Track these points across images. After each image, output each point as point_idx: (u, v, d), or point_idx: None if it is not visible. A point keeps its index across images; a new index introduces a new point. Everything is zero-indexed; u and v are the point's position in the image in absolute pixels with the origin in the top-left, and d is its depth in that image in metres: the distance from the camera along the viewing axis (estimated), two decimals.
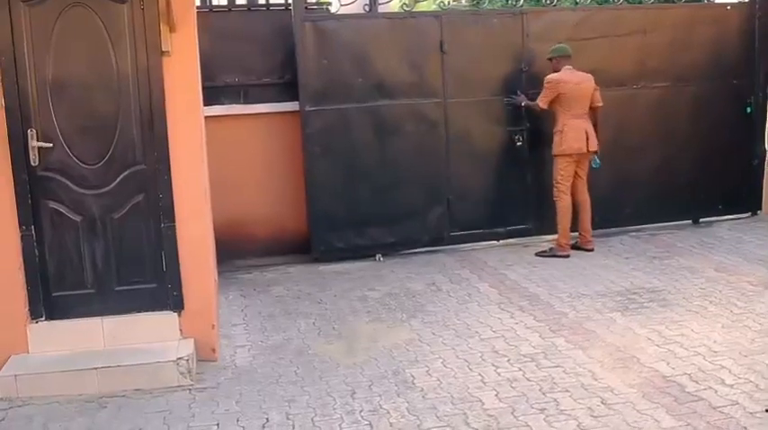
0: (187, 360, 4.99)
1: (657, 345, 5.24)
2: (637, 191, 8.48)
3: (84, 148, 5.12)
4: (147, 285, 5.25)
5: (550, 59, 7.68)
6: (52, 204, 5.10)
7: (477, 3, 8.92)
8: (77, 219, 5.14)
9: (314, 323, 6.04)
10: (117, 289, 5.22)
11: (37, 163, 5.04)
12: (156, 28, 5.04)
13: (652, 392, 4.54)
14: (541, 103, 7.60)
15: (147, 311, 5.25)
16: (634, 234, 8.36)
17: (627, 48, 8.31)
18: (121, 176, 5.14)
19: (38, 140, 5.03)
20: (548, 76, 7.59)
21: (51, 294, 5.18)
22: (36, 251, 5.12)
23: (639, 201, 8.49)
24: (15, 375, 4.89)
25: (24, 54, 4.97)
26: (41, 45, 4.99)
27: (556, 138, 7.60)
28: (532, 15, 8.16)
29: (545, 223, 8.11)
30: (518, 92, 7.92)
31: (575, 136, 7.54)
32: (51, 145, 5.04)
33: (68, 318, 5.19)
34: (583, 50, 8.12)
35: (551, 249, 7.70)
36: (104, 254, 5.19)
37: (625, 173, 8.40)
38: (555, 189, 7.64)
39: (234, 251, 7.67)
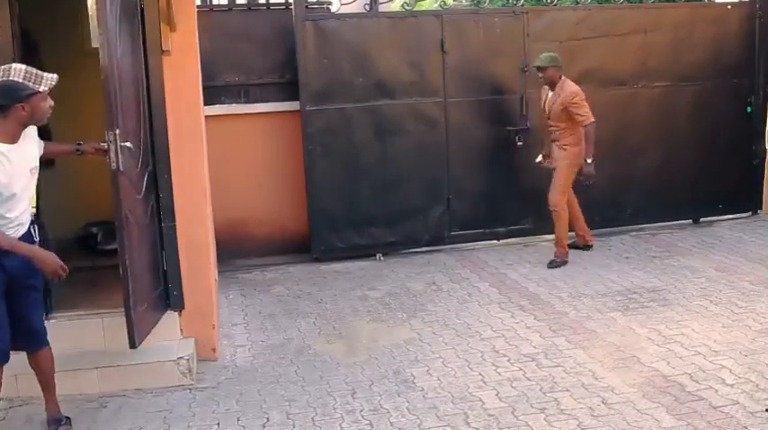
0: (187, 359, 4.99)
1: (658, 345, 5.24)
2: (637, 190, 8.48)
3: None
4: None
5: (543, 68, 7.24)
6: None
7: (478, 2, 8.90)
8: None
9: (314, 322, 6.04)
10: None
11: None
12: (156, 27, 5.03)
13: (652, 392, 4.54)
14: (592, 118, 7.16)
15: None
16: (634, 234, 8.36)
17: (627, 47, 8.31)
18: None
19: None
20: (573, 89, 7.16)
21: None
22: None
23: (640, 200, 8.49)
24: (16, 375, 4.87)
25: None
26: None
27: (575, 150, 7.25)
28: (533, 15, 8.15)
29: (545, 223, 8.10)
30: (587, 160, 7.24)
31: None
32: (130, 145, 4.98)
33: (69, 317, 5.19)
34: (583, 50, 8.14)
35: (558, 259, 7.40)
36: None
37: (625, 172, 8.40)
38: (557, 198, 7.32)
39: (234, 250, 7.67)
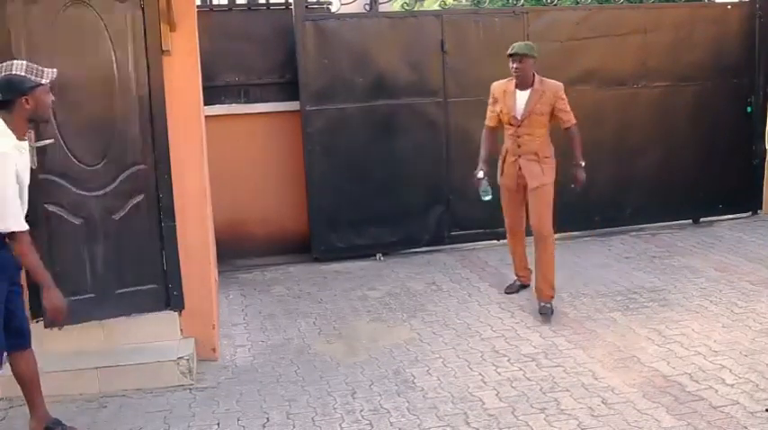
0: (187, 359, 4.99)
1: (658, 345, 5.24)
2: (637, 190, 8.46)
3: (84, 149, 5.08)
4: (148, 286, 5.24)
5: (520, 57, 5.84)
6: (51, 208, 5.00)
7: (478, 2, 8.89)
8: (77, 221, 5.07)
9: (314, 322, 6.04)
10: (118, 292, 5.17)
11: (36, 165, 4.99)
12: (156, 27, 5.03)
13: (652, 392, 4.55)
14: (574, 119, 6.08)
15: (147, 311, 5.24)
16: (634, 234, 8.35)
17: (627, 47, 8.30)
18: (121, 177, 5.12)
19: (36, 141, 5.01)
20: (558, 83, 6.03)
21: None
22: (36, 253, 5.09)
23: (640, 200, 8.48)
24: None
25: (22, 53, 4.92)
26: (41, 44, 4.95)
27: (554, 163, 6.12)
28: (533, 14, 8.15)
29: None
30: (580, 163, 6.13)
31: None
32: (52, 141, 4.98)
33: (71, 320, 5.18)
34: (584, 50, 8.14)
35: (546, 305, 5.98)
36: (105, 256, 5.15)
37: (625, 172, 8.39)
38: (547, 225, 6.06)
39: (234, 250, 7.67)
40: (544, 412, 4.38)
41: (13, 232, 3.84)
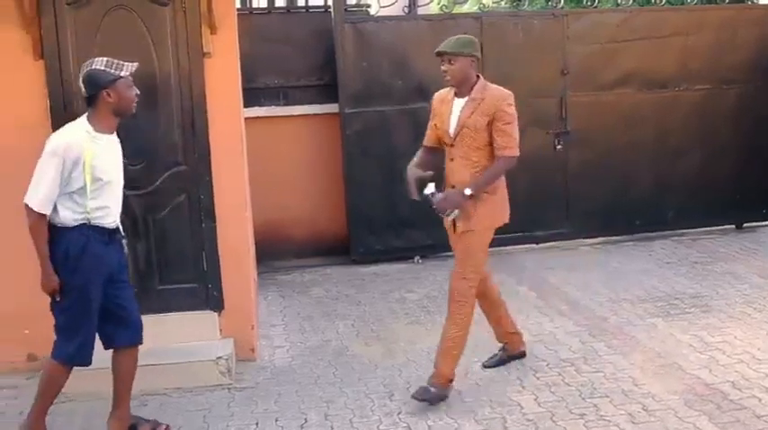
0: (227, 359, 5.03)
1: (699, 352, 5.17)
2: (678, 194, 8.36)
3: (127, 149, 5.14)
4: (188, 285, 5.30)
5: (450, 56, 4.55)
6: None
7: (517, 4, 8.86)
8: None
9: (352, 324, 6.05)
10: (159, 288, 5.27)
11: None
12: (197, 30, 5.09)
13: (694, 399, 4.48)
14: (516, 150, 4.58)
15: (187, 310, 5.30)
16: (676, 238, 8.24)
17: (669, 49, 8.21)
18: (163, 177, 5.19)
19: None
20: (505, 91, 4.64)
21: None
22: None
23: (681, 204, 8.37)
24: None
25: (69, 56, 5.04)
26: (86, 46, 5.04)
27: (495, 200, 4.67)
28: (573, 17, 8.10)
29: (583, 227, 8.09)
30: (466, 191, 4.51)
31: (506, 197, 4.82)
32: None
33: None
34: (624, 52, 8.07)
35: (435, 388, 4.58)
36: (146, 254, 5.23)
37: (666, 176, 8.30)
38: (469, 284, 4.62)
39: (273, 252, 7.71)
40: (583, 418, 4.34)
41: (28, 206, 3.94)
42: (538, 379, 4.88)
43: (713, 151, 8.38)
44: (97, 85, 3.94)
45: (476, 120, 4.50)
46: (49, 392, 4.17)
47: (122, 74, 3.99)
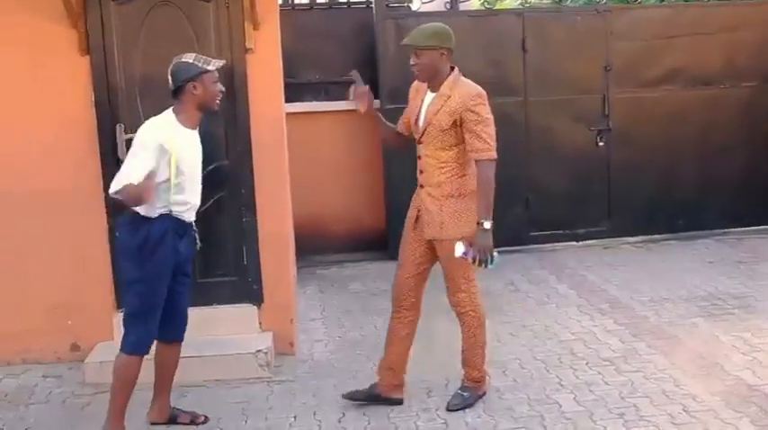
0: (266, 353, 5.06)
1: (743, 353, 5.09)
2: (723, 193, 8.25)
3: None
4: (228, 278, 5.35)
5: (417, 51, 4.26)
6: None
7: (560, 0, 8.79)
8: None
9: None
10: (199, 281, 5.32)
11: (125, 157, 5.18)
12: (240, 26, 5.13)
13: (736, 401, 4.42)
14: (493, 151, 4.27)
15: (227, 304, 5.35)
16: (719, 238, 8.12)
17: (714, 46, 8.10)
18: (205, 171, 5.21)
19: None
20: (476, 89, 4.26)
21: None
22: None
23: (725, 203, 8.26)
24: (101, 362, 5.03)
25: (114, 51, 5.13)
26: (130, 42, 5.13)
27: (466, 209, 4.32)
28: (617, 13, 8.03)
29: (624, 225, 8.02)
30: (482, 223, 4.33)
31: None
32: None
33: None
34: (668, 49, 7.98)
35: (469, 391, 4.56)
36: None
37: (710, 174, 8.20)
38: (464, 294, 4.50)
39: (312, 246, 7.74)
40: (623, 417, 4.30)
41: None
42: (577, 377, 4.84)
43: (758, 149, 8.26)
44: (184, 77, 4.01)
45: (440, 119, 4.18)
46: (123, 388, 4.16)
47: (209, 68, 4.06)
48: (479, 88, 4.25)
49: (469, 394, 4.52)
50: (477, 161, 4.20)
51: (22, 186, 5.17)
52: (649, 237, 8.13)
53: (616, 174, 8.04)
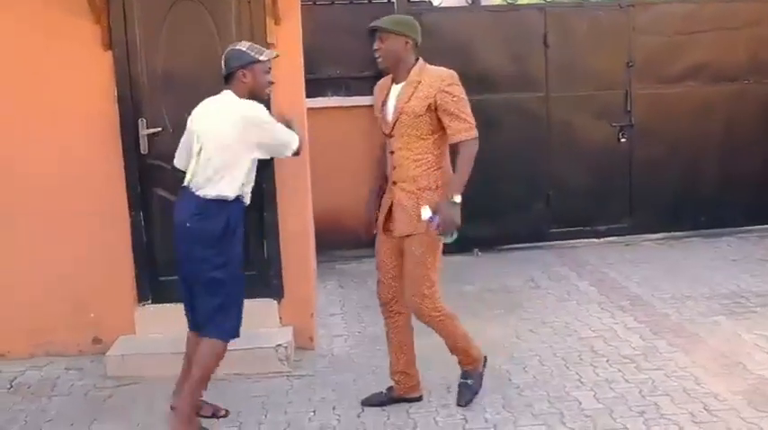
0: (286, 347, 5.08)
1: (765, 352, 5.05)
2: (746, 190, 8.18)
3: None
4: (248, 272, 5.35)
5: (382, 34, 4.19)
6: (160, 191, 5.28)
7: None
8: None
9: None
10: None
11: (147, 151, 5.22)
12: (261, 21, 5.14)
13: (759, 400, 4.38)
14: (473, 130, 4.15)
15: (248, 298, 5.33)
16: (742, 235, 8.06)
17: (738, 41, 8.02)
18: None
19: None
20: (445, 73, 4.17)
21: (158, 278, 5.36)
22: (144, 237, 5.31)
23: (748, 201, 8.19)
24: (123, 355, 5.09)
25: (136, 46, 5.16)
26: (152, 37, 5.16)
27: (436, 199, 4.14)
28: (639, 8, 7.95)
29: (646, 222, 7.97)
30: (452, 196, 4.10)
31: None
32: (160, 129, 5.20)
33: (173, 302, 5.34)
34: (691, 44, 7.92)
35: (470, 376, 4.54)
36: None
37: (733, 171, 8.13)
38: (428, 300, 4.31)
39: (332, 241, 7.75)
40: (643, 416, 4.27)
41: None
42: (597, 375, 4.82)
43: None
44: (235, 64, 4.09)
45: (413, 105, 4.04)
46: (208, 373, 4.21)
47: (261, 58, 4.13)
48: (450, 70, 4.15)
49: (473, 380, 4.50)
50: (459, 143, 4.06)
51: (45, 181, 5.22)
52: (671, 234, 8.08)
53: (638, 170, 7.99)
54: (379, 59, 4.21)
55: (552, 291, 6.51)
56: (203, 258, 4.07)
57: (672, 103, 8.00)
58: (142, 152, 5.22)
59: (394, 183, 4.22)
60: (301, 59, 5.46)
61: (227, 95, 4.15)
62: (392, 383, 4.55)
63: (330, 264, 7.55)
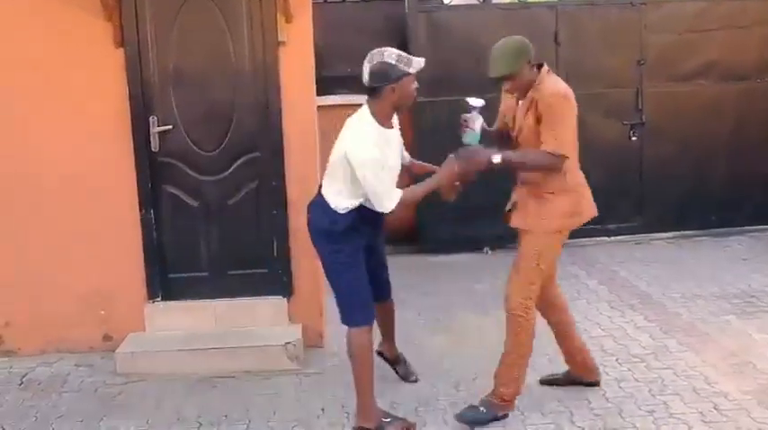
0: (295, 345, 5.09)
1: None
2: (757, 189, 8.13)
3: (202, 136, 5.29)
4: (258, 270, 5.38)
5: (509, 77, 4.26)
6: (171, 189, 5.31)
7: None
8: (194, 203, 5.32)
9: (419, 314, 6.05)
10: (230, 272, 5.37)
11: (157, 149, 5.24)
12: (272, 18, 5.15)
13: None
14: (565, 149, 4.13)
15: (257, 296, 5.38)
16: (753, 234, 8.01)
17: (749, 39, 7.98)
18: (237, 163, 5.28)
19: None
20: (555, 88, 4.24)
21: (168, 276, 5.38)
22: (155, 234, 5.32)
23: (759, 200, 8.14)
24: (132, 352, 5.10)
25: (148, 44, 5.17)
26: (164, 35, 5.17)
27: (562, 204, 4.28)
28: (651, 6, 7.92)
29: (656, 222, 7.95)
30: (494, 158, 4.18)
31: (590, 195, 4.54)
32: (171, 126, 5.22)
33: (183, 299, 5.38)
34: (703, 42, 7.89)
35: (487, 407, 4.32)
36: (219, 238, 5.33)
37: (744, 170, 8.08)
38: (514, 293, 4.28)
39: None
40: (652, 415, 4.27)
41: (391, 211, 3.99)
42: (607, 373, 4.81)
43: None
44: (385, 79, 3.98)
45: (530, 120, 4.18)
46: (367, 365, 4.24)
47: (410, 71, 4.02)
48: (560, 86, 4.23)
49: (486, 410, 4.29)
50: (553, 154, 4.10)
51: (57, 178, 5.25)
52: (681, 232, 8.04)
53: (648, 168, 7.96)
54: (518, 96, 4.32)
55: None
56: (321, 251, 4.25)
57: (683, 101, 7.97)
58: (153, 150, 5.24)
59: (522, 183, 4.38)
60: (312, 57, 5.46)
61: (363, 113, 4.10)
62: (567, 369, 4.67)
63: None
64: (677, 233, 8.07)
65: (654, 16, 7.84)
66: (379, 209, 3.97)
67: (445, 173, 4.17)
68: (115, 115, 5.20)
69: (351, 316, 4.20)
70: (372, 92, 4.02)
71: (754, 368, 4.80)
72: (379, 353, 4.77)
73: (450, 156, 4.28)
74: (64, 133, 5.22)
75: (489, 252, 7.76)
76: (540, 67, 4.28)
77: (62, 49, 5.14)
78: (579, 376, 4.63)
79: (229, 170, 5.29)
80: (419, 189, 4.11)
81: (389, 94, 3.98)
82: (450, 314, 6.04)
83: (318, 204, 4.14)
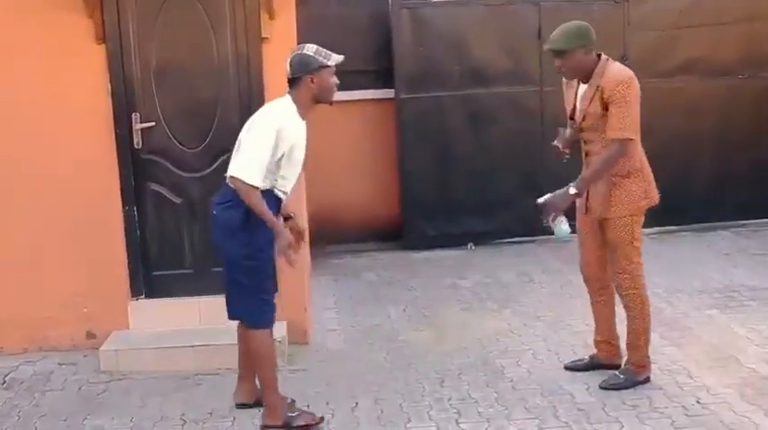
0: (280, 342, 5.06)
1: (757, 345, 5.06)
2: (739, 185, 8.18)
3: (185, 132, 5.27)
4: None
5: (562, 54, 4.35)
6: (154, 186, 5.28)
7: None
8: (178, 200, 5.30)
9: (404, 310, 6.07)
10: (214, 269, 5.34)
11: (140, 146, 5.22)
12: (255, 15, 5.13)
13: (751, 393, 4.39)
14: (631, 132, 4.30)
15: None
16: (735, 230, 8.06)
17: (733, 36, 8.03)
18: (220, 160, 5.25)
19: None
20: (620, 75, 4.29)
21: (152, 273, 5.36)
22: (138, 231, 5.30)
23: (742, 195, 8.19)
24: (116, 350, 5.08)
25: (130, 40, 5.15)
26: (146, 31, 5.15)
27: (632, 188, 4.45)
28: (634, 3, 7.95)
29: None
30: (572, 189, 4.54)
31: (651, 177, 4.63)
32: (154, 123, 5.20)
33: (167, 296, 5.35)
34: (686, 39, 7.92)
35: (627, 374, 4.59)
36: (202, 235, 5.31)
37: (727, 165, 8.13)
38: (627, 275, 4.49)
39: (326, 236, 7.75)
40: (636, 409, 4.28)
41: (239, 179, 3.95)
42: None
43: None
44: (303, 69, 4.04)
45: (595, 106, 4.32)
46: (269, 361, 4.24)
47: (328, 63, 4.10)
48: (625, 72, 4.32)
49: (626, 377, 4.56)
50: (616, 140, 4.27)
51: (39, 176, 5.21)
52: (665, 228, 8.06)
53: None
54: (564, 74, 4.50)
55: (546, 285, 6.52)
56: (226, 248, 4.18)
57: (666, 98, 7.98)
58: (136, 146, 5.22)
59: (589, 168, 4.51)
60: None
61: (285, 101, 4.12)
62: (595, 351, 4.81)
63: (324, 259, 7.55)
64: (660, 228, 8.08)
65: (637, 13, 7.88)
66: (230, 169, 4.02)
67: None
68: (97, 112, 5.17)
69: (262, 316, 4.23)
70: (292, 82, 4.08)
71: (737, 362, 4.83)
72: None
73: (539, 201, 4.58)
74: (45, 130, 5.18)
75: (473, 248, 7.77)
76: (599, 56, 4.38)
77: (42, 46, 5.10)
78: (607, 360, 4.75)
79: (213, 167, 5.26)
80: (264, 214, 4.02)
81: (308, 84, 4.06)
82: (435, 310, 6.05)
83: (224, 198, 4.15)
